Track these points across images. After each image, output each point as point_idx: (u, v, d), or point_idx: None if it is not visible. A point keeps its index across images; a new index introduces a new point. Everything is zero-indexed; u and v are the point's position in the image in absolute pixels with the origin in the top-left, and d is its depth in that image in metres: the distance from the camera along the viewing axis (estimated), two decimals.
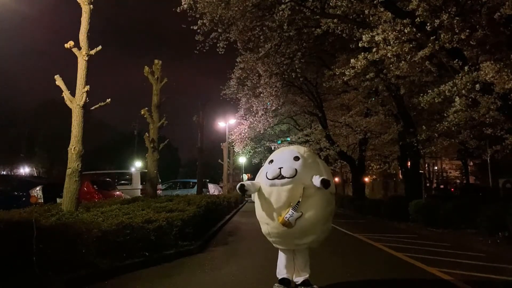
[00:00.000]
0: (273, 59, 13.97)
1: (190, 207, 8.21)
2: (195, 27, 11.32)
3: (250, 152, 26.56)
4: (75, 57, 6.93)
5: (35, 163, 41.68)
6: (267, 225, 3.97)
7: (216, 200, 12.05)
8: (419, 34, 7.87)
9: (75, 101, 6.78)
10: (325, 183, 3.71)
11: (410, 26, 7.73)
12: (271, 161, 4.06)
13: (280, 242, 4.06)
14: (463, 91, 7.78)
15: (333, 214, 4.22)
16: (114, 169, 27.75)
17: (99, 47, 7.08)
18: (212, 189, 26.07)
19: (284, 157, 4.01)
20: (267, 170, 3.94)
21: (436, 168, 39.72)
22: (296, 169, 3.75)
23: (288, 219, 3.66)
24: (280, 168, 3.77)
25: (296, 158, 3.90)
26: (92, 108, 7.17)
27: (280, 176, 3.73)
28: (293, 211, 3.66)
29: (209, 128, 27.71)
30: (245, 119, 20.95)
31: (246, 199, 29.82)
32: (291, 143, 24.08)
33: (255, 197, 4.14)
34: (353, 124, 18.60)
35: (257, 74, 15.44)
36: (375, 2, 8.31)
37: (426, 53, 7.95)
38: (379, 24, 8.42)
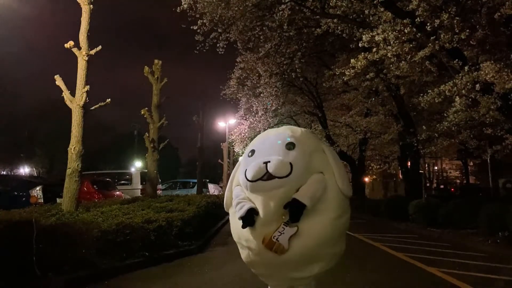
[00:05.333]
0: (273, 59, 13.98)
1: (190, 207, 8.22)
2: (195, 27, 11.32)
3: None
4: (75, 57, 6.94)
5: (35, 163, 41.67)
6: (248, 250, 2.74)
7: (216, 200, 12.05)
8: (419, 34, 7.87)
9: (75, 101, 6.79)
10: (292, 210, 2.47)
11: (410, 26, 7.73)
12: (252, 151, 2.75)
13: (268, 275, 2.82)
14: (463, 91, 7.78)
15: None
16: (114, 169, 27.74)
17: (99, 47, 7.10)
18: (212, 189, 26.07)
19: (271, 144, 2.70)
20: (245, 166, 2.63)
21: (436, 168, 39.76)
22: (291, 164, 2.50)
23: (277, 239, 2.48)
24: (266, 163, 2.49)
25: (290, 146, 2.63)
26: (92, 108, 7.18)
27: (266, 176, 2.47)
28: (285, 227, 2.49)
29: (209, 128, 27.72)
30: (245, 119, 20.95)
31: None
32: None
33: (230, 208, 2.94)
34: (353, 124, 18.60)
35: (257, 74, 15.45)
36: (375, 2, 8.31)
37: (426, 53, 7.94)
38: (379, 24, 8.42)
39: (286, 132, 2.84)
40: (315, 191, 2.55)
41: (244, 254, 2.83)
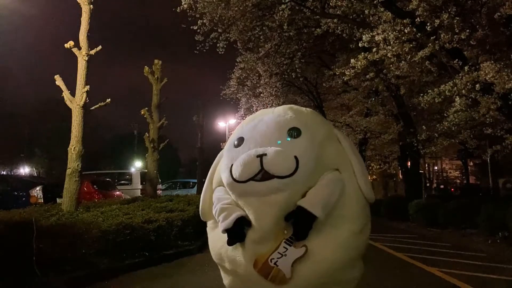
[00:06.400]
0: (273, 59, 14.00)
1: (190, 207, 8.21)
2: (195, 27, 11.33)
3: None
4: (75, 57, 6.94)
5: (35, 163, 41.66)
6: (232, 276, 2.17)
7: None
8: (419, 34, 7.86)
9: (75, 101, 6.79)
10: (298, 223, 1.82)
11: (410, 26, 7.72)
12: (240, 140, 2.06)
13: None
14: (463, 91, 7.77)
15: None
16: (114, 169, 27.74)
17: (99, 47, 7.10)
18: None
19: (268, 130, 2.01)
20: (231, 160, 1.96)
21: (436, 168, 39.72)
22: (296, 157, 1.84)
23: (275, 264, 1.81)
24: (260, 156, 1.81)
25: (294, 132, 1.95)
26: (92, 108, 7.19)
27: (260, 174, 1.81)
28: (287, 246, 1.82)
29: (209, 128, 27.74)
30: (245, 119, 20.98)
31: None
32: None
33: (208, 217, 2.30)
34: (353, 124, 18.61)
35: (257, 74, 15.47)
36: (375, 2, 8.31)
37: (426, 53, 7.94)
38: (379, 24, 8.41)
39: (287, 113, 2.10)
40: (329, 196, 1.87)
41: (227, 280, 2.20)
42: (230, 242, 1.91)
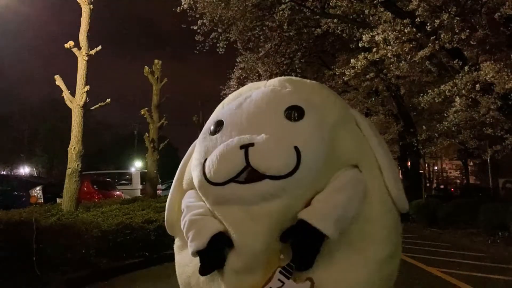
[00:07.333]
0: (273, 59, 14.02)
1: None
2: (195, 27, 11.35)
3: None
4: (75, 57, 6.94)
5: (35, 163, 41.68)
6: None
7: None
8: (419, 34, 7.87)
9: (75, 101, 6.79)
10: (300, 245, 1.29)
11: (410, 26, 7.73)
12: (218, 124, 1.51)
13: None
14: (463, 91, 7.78)
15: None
16: (114, 169, 27.73)
17: (99, 47, 7.10)
18: None
19: (257, 110, 1.47)
20: (204, 154, 1.44)
21: (436, 168, 39.71)
22: (297, 149, 1.31)
23: None
24: (245, 147, 1.29)
25: (294, 112, 1.41)
26: (92, 108, 7.19)
27: (245, 173, 1.30)
28: (285, 279, 1.30)
29: None
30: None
31: None
32: None
33: (177, 235, 1.79)
34: None
35: (257, 74, 15.47)
36: (375, 2, 8.31)
37: (426, 53, 7.94)
38: (379, 24, 8.42)
39: (284, 86, 1.53)
40: (345, 204, 1.34)
41: None
42: (202, 271, 1.36)
